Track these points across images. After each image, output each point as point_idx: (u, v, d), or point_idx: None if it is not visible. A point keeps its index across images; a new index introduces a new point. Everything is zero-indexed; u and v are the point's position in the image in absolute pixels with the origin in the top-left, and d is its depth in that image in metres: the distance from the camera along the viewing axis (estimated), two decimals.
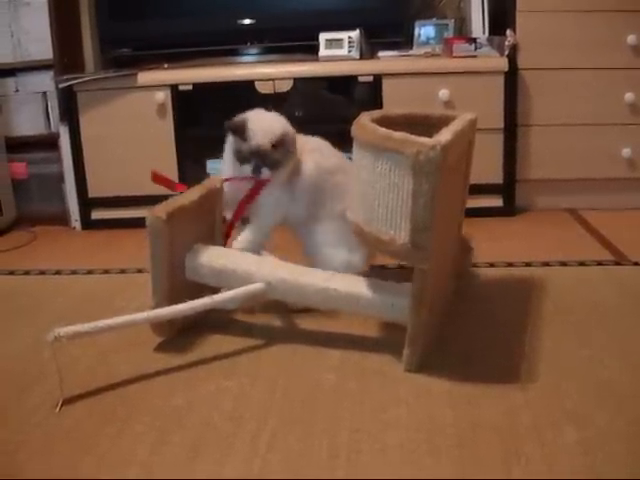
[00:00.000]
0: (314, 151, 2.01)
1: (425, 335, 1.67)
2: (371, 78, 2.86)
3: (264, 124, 1.92)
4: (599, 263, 2.34)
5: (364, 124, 1.71)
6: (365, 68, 2.89)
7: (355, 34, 2.93)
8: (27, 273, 2.50)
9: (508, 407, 1.48)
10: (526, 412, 1.46)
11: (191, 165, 2.95)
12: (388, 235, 1.60)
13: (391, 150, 1.56)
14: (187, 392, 1.60)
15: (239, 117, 1.93)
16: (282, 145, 1.89)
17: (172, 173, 2.87)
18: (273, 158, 1.89)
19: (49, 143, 3.08)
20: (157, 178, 1.95)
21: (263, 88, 2.88)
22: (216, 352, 1.80)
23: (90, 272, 2.47)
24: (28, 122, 3.12)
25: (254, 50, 3.21)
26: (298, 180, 1.97)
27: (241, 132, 1.90)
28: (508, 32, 2.81)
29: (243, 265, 1.82)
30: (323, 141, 2.07)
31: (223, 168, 2.01)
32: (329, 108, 3.10)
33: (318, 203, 1.98)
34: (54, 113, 3.07)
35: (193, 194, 1.87)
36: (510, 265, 2.34)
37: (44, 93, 3.08)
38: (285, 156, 1.91)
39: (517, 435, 1.38)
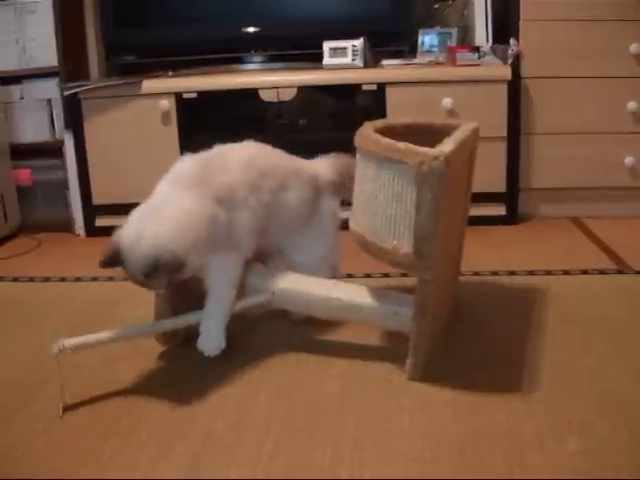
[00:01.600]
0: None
1: (428, 344, 1.68)
2: (375, 86, 2.87)
3: (135, 250, 1.60)
4: (602, 272, 2.34)
5: (367, 134, 1.72)
6: (369, 76, 2.90)
7: (359, 42, 2.93)
8: (31, 280, 2.50)
9: (511, 416, 1.48)
10: (529, 421, 1.46)
11: None
12: (391, 245, 1.61)
13: (394, 160, 1.57)
14: (191, 400, 1.60)
15: (113, 242, 1.65)
16: (158, 273, 1.58)
17: None
18: (156, 285, 1.64)
19: (54, 150, 3.09)
20: None
21: (267, 96, 2.90)
22: (219, 361, 1.80)
23: (94, 279, 2.47)
24: (33, 129, 3.13)
25: (258, 58, 3.22)
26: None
27: (116, 263, 1.64)
28: (511, 41, 2.82)
29: (247, 275, 1.82)
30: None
31: None
32: (332, 116, 3.11)
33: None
34: (59, 120, 3.08)
35: None
36: (513, 273, 2.34)
37: (49, 100, 3.10)
38: (171, 276, 1.61)
39: (519, 444, 1.38)
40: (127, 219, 1.66)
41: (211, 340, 1.71)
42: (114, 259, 1.62)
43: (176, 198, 1.67)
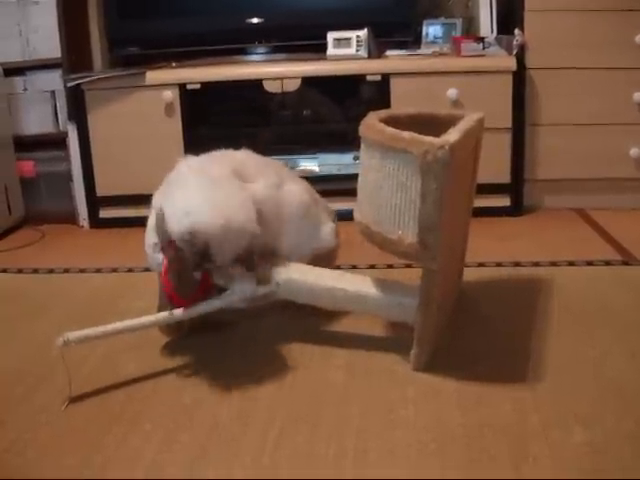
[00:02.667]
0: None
1: (433, 335, 1.67)
2: (379, 77, 2.86)
3: (229, 237, 1.55)
4: (607, 263, 2.33)
5: (372, 124, 1.71)
6: (373, 67, 2.89)
7: (363, 33, 2.92)
8: (35, 272, 2.50)
9: (516, 407, 1.48)
10: (534, 412, 1.46)
11: None
12: (396, 235, 1.60)
13: (399, 150, 1.56)
14: (195, 391, 1.60)
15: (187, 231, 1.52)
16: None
17: None
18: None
19: (57, 142, 3.09)
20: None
21: (271, 87, 2.89)
22: (224, 351, 1.80)
23: (98, 271, 2.47)
24: (36, 121, 3.13)
25: (262, 49, 3.21)
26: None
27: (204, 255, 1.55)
28: (516, 31, 2.80)
29: None
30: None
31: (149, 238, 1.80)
32: (337, 107, 3.10)
33: None
34: (62, 112, 3.07)
35: None
36: (517, 265, 2.34)
37: (52, 92, 3.09)
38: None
39: (525, 435, 1.38)
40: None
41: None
42: (205, 250, 1.54)
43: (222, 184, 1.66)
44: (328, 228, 1.96)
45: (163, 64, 3.06)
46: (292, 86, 2.89)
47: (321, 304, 1.80)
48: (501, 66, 2.83)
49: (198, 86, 2.90)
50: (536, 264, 2.33)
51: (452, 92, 2.81)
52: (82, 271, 2.48)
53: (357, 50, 2.93)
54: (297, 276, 1.78)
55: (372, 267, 2.33)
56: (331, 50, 2.95)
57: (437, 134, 1.57)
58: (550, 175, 2.97)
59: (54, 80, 3.06)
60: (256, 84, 2.89)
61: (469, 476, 1.27)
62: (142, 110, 2.93)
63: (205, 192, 1.60)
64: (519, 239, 2.65)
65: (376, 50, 2.99)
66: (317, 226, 1.94)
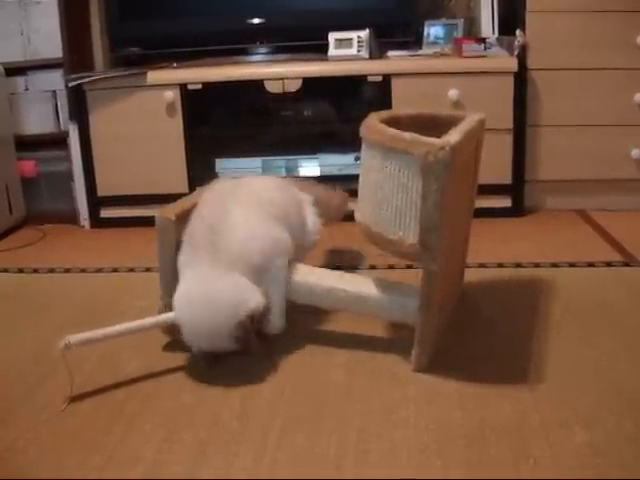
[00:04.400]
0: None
1: (434, 336, 1.67)
2: (380, 78, 2.86)
3: (198, 326, 1.64)
4: (608, 264, 2.33)
5: (373, 124, 1.71)
6: (374, 68, 2.88)
7: (364, 34, 2.92)
8: (36, 271, 2.50)
9: (517, 408, 1.48)
10: (535, 413, 1.46)
11: (200, 164, 2.96)
12: (397, 236, 1.60)
13: (400, 151, 1.56)
14: (195, 391, 1.60)
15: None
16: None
17: (181, 172, 2.88)
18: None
19: (58, 142, 3.09)
20: None
21: (272, 87, 2.89)
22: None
23: (99, 270, 2.47)
24: (38, 121, 3.13)
25: (263, 49, 3.21)
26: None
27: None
28: (518, 32, 2.80)
29: None
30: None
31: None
32: (338, 108, 3.10)
33: None
34: (64, 112, 3.08)
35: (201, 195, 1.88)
36: (519, 266, 2.33)
37: (54, 92, 3.10)
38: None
39: (525, 436, 1.38)
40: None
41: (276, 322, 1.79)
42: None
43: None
44: (312, 220, 1.98)
45: (164, 64, 3.06)
46: (293, 86, 2.89)
47: (322, 305, 1.80)
48: (502, 67, 2.83)
49: (199, 86, 2.90)
50: (537, 265, 2.33)
51: (453, 93, 2.81)
52: (83, 271, 2.48)
53: (358, 51, 2.93)
54: (298, 277, 1.78)
55: (373, 268, 2.33)
56: (332, 51, 2.95)
57: (438, 135, 1.57)
58: (551, 176, 2.97)
59: (55, 80, 3.06)
60: (257, 84, 2.89)
61: (470, 476, 1.27)
62: (143, 110, 2.93)
63: (188, 289, 1.68)
64: (520, 240, 2.65)
65: (377, 51, 2.99)
66: (306, 221, 1.95)
